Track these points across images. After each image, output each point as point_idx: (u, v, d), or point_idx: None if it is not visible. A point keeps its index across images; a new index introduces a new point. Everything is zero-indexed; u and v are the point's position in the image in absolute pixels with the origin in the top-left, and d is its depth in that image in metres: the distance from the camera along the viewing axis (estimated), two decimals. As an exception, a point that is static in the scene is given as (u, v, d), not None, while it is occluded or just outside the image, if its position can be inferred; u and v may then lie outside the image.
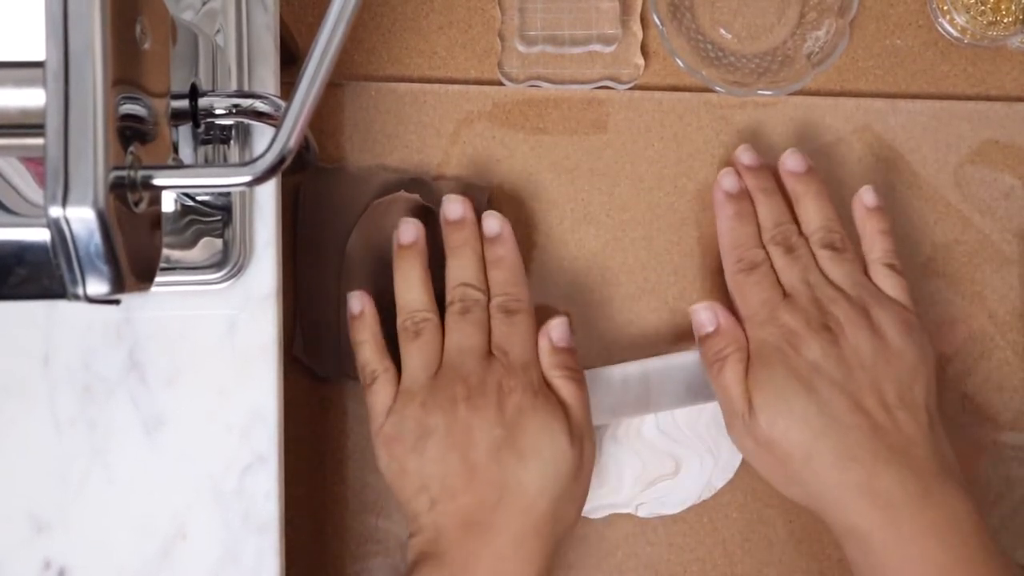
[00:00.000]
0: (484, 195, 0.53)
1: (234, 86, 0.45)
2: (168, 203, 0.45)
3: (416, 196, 0.52)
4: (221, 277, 0.45)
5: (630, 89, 0.54)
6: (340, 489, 0.52)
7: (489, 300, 0.49)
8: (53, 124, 0.29)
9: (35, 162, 0.35)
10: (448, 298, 0.49)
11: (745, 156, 0.53)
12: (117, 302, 0.32)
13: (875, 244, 0.50)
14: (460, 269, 0.49)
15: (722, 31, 0.55)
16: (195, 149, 0.43)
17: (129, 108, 0.31)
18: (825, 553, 0.53)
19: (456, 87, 0.54)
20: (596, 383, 0.50)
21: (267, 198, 0.46)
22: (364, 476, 0.52)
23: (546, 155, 0.54)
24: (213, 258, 0.45)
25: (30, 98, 0.31)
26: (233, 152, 0.46)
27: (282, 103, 0.39)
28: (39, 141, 0.29)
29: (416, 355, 0.48)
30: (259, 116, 0.40)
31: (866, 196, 0.51)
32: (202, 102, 0.39)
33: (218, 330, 0.45)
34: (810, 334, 0.47)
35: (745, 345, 0.49)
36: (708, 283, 0.54)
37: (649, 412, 0.52)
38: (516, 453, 0.45)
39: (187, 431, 0.45)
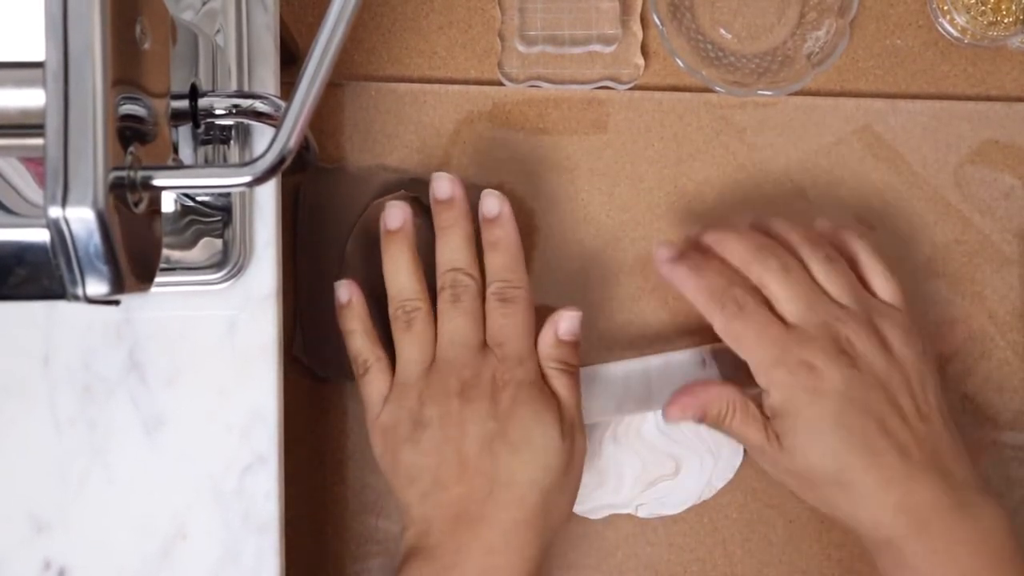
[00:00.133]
0: (484, 195, 0.53)
1: (234, 86, 0.45)
2: (168, 203, 0.45)
3: (416, 196, 0.52)
4: (221, 277, 0.45)
5: (630, 89, 0.54)
6: (340, 489, 0.52)
7: (484, 285, 0.48)
8: (53, 124, 0.29)
9: (35, 162, 0.35)
10: (439, 284, 0.48)
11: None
12: (117, 302, 0.32)
13: (859, 251, 0.50)
14: (449, 252, 0.48)
15: (722, 31, 0.55)
16: (195, 149, 0.43)
17: (129, 108, 0.31)
18: (825, 553, 0.53)
19: (456, 87, 0.54)
20: (597, 380, 0.50)
21: (267, 198, 0.46)
22: (364, 476, 0.52)
23: (546, 155, 0.54)
24: (213, 258, 0.45)
25: (30, 98, 0.31)
26: (233, 152, 0.45)
27: (282, 103, 0.39)
28: (39, 141, 0.29)
29: (409, 347, 0.47)
30: (259, 116, 0.40)
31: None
32: (202, 102, 0.39)
33: (218, 330, 0.45)
34: (828, 364, 0.45)
35: (740, 397, 0.48)
36: (708, 283, 0.54)
37: (651, 409, 0.52)
38: (508, 444, 0.45)
39: (187, 431, 0.45)
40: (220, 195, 0.45)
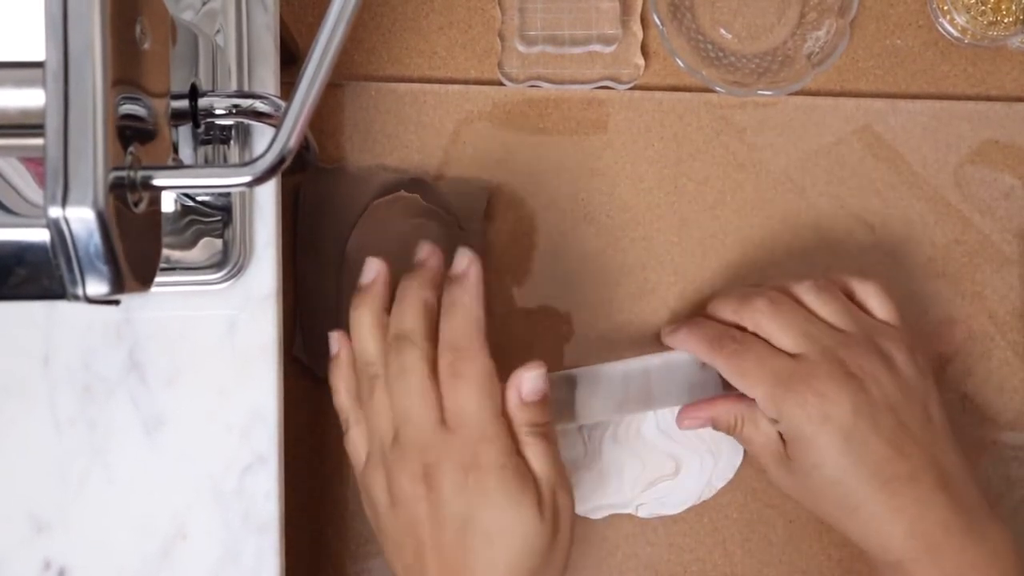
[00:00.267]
0: (484, 195, 0.53)
1: (234, 86, 0.45)
2: (168, 203, 0.45)
3: (416, 196, 0.52)
4: (221, 277, 0.45)
5: (630, 89, 0.54)
6: (340, 489, 0.52)
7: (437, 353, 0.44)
8: (53, 124, 0.29)
9: (35, 162, 0.35)
10: (387, 347, 0.45)
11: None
12: (117, 302, 0.32)
13: (849, 280, 0.50)
14: (398, 315, 0.44)
15: (722, 31, 0.55)
16: (195, 149, 0.43)
17: (129, 108, 0.31)
18: (825, 553, 0.53)
19: (456, 87, 0.54)
20: (598, 380, 0.50)
21: (267, 198, 0.46)
22: (364, 476, 0.52)
23: (546, 155, 0.54)
24: (213, 258, 0.45)
25: (30, 98, 0.31)
26: (233, 152, 0.45)
27: (282, 103, 0.39)
28: (39, 141, 0.29)
29: (372, 417, 0.44)
30: (259, 116, 0.40)
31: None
32: (202, 102, 0.39)
33: (218, 330, 0.45)
34: (838, 390, 0.45)
35: (750, 410, 0.48)
36: (708, 283, 0.54)
37: (651, 409, 0.52)
38: (482, 535, 0.42)
39: (187, 431, 0.45)
40: (220, 195, 0.45)
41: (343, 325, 0.51)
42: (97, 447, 0.45)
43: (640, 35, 0.54)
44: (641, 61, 0.54)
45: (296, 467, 0.50)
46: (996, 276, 0.55)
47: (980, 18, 0.54)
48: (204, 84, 0.42)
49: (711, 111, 0.55)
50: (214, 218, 0.45)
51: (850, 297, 0.50)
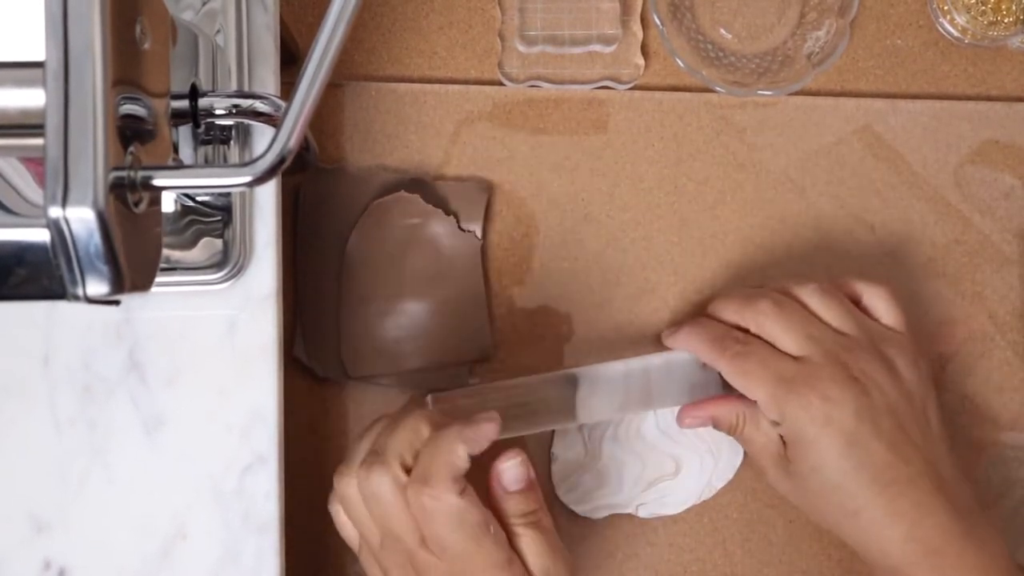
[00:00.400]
0: (484, 195, 0.53)
1: (234, 86, 0.45)
2: (168, 203, 0.45)
3: (416, 196, 0.52)
4: (221, 277, 0.45)
5: (630, 89, 0.54)
6: (340, 489, 0.52)
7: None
8: (53, 124, 0.29)
9: (35, 162, 0.35)
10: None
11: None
12: (117, 302, 0.32)
13: (856, 283, 0.50)
14: (385, 433, 0.44)
15: (722, 31, 0.55)
16: (195, 149, 0.43)
17: (129, 108, 0.31)
18: (825, 553, 0.53)
19: (456, 87, 0.54)
20: (598, 380, 0.50)
21: (267, 198, 0.46)
22: (364, 476, 0.52)
23: (546, 155, 0.54)
24: (213, 258, 0.45)
25: (30, 98, 0.31)
26: (233, 152, 0.46)
27: (282, 103, 0.39)
28: (39, 141, 0.29)
29: (357, 525, 0.45)
30: (259, 116, 0.40)
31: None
32: (202, 102, 0.39)
33: (218, 330, 0.45)
34: (841, 392, 0.45)
35: (751, 410, 0.48)
36: (708, 283, 0.54)
37: (651, 408, 0.52)
38: None
39: (187, 431, 0.45)
40: (220, 195, 0.45)
41: (343, 325, 0.51)
42: (97, 447, 0.45)
43: (640, 35, 0.54)
44: (641, 61, 0.54)
45: (296, 467, 0.50)
46: (996, 276, 0.55)
47: (980, 18, 0.54)
48: (204, 84, 0.42)
49: (711, 111, 0.55)
50: (214, 218, 0.45)
51: (857, 301, 0.50)
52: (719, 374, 0.49)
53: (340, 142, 0.54)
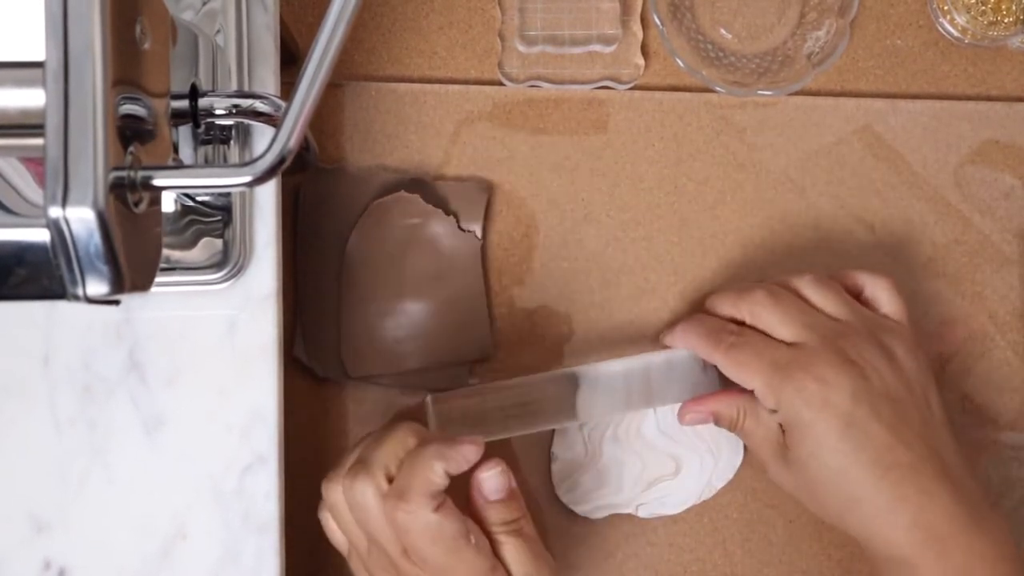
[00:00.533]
0: (484, 195, 0.53)
1: (234, 86, 0.45)
2: (168, 203, 0.45)
3: (416, 196, 0.52)
4: (221, 277, 0.45)
5: (630, 89, 0.54)
6: (340, 489, 0.52)
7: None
8: (53, 124, 0.29)
9: (35, 162, 0.35)
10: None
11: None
12: (117, 302, 0.32)
13: (858, 275, 0.50)
14: (371, 443, 0.44)
15: (722, 31, 0.55)
16: (195, 149, 0.43)
17: (129, 108, 0.31)
18: (825, 553, 0.53)
19: (456, 87, 0.54)
20: (598, 379, 0.50)
21: (267, 198, 0.46)
22: (364, 476, 0.52)
23: (546, 155, 0.54)
24: (213, 258, 0.45)
25: (30, 98, 0.31)
26: (233, 152, 0.46)
27: (282, 103, 0.39)
28: (39, 141, 0.29)
29: (343, 529, 0.45)
30: (259, 116, 0.40)
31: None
32: (202, 102, 0.39)
33: (218, 330, 0.45)
34: (838, 374, 0.44)
35: (751, 404, 0.47)
36: (708, 283, 0.54)
37: (652, 407, 0.52)
38: None
39: (187, 431, 0.45)
40: (220, 195, 0.45)
41: (343, 325, 0.51)
42: (97, 447, 0.45)
43: (640, 35, 0.54)
44: (641, 61, 0.54)
45: (296, 467, 0.50)
46: (996, 276, 0.55)
47: (980, 18, 0.54)
48: (204, 84, 0.42)
49: (711, 111, 0.55)
50: (214, 218, 0.45)
51: (859, 292, 0.49)
52: (719, 372, 0.49)
53: (340, 142, 0.54)
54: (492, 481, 0.44)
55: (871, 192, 0.55)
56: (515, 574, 0.43)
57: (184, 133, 0.42)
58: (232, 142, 0.45)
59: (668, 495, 0.53)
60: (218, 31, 0.45)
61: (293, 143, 0.32)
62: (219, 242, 0.45)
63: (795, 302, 0.48)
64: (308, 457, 0.52)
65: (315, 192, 0.53)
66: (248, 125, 0.46)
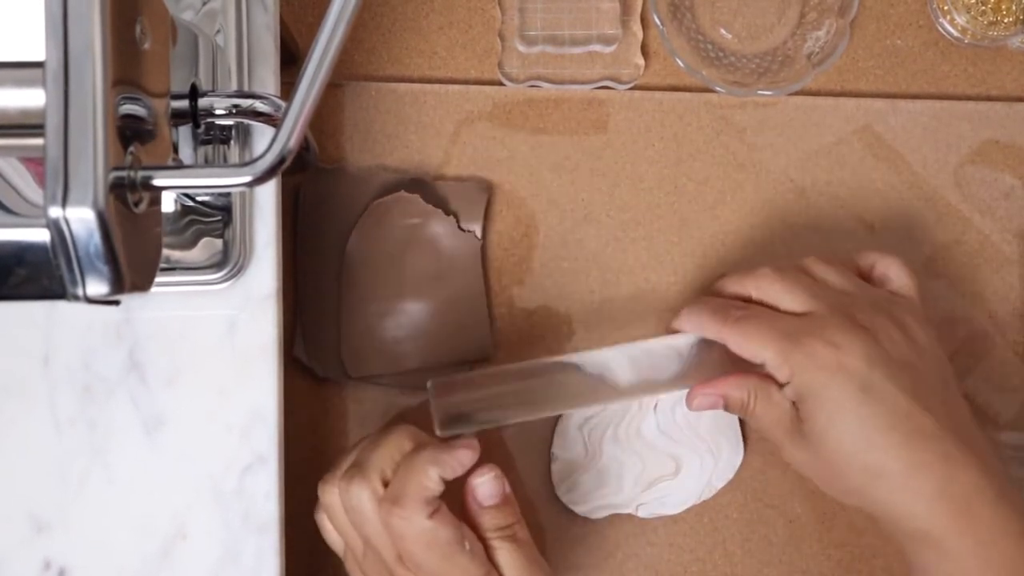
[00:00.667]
0: (484, 195, 0.53)
1: (234, 86, 0.45)
2: (168, 203, 0.45)
3: (416, 196, 0.52)
4: (221, 277, 0.45)
5: (630, 89, 0.54)
6: (340, 489, 0.52)
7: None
8: (53, 124, 0.29)
9: (35, 162, 0.35)
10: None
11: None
12: (117, 302, 0.32)
13: (868, 254, 0.49)
14: (367, 447, 0.44)
15: (722, 31, 0.55)
16: (195, 149, 0.43)
17: (129, 108, 0.31)
18: (825, 553, 0.53)
19: (456, 87, 0.54)
20: (602, 366, 0.48)
21: (267, 198, 0.46)
22: (364, 476, 0.52)
23: (546, 155, 0.54)
24: (213, 258, 0.45)
25: (30, 98, 0.31)
26: (233, 152, 0.46)
27: (282, 103, 0.39)
28: (39, 141, 0.29)
29: (339, 529, 0.45)
30: (259, 116, 0.40)
31: None
32: (202, 102, 0.39)
33: (218, 330, 0.45)
34: (850, 339, 0.43)
35: (762, 383, 0.46)
36: (708, 283, 0.54)
37: (658, 394, 0.50)
38: None
39: (187, 431, 0.45)
40: (220, 195, 0.45)
41: (343, 325, 0.51)
42: (97, 447, 0.45)
43: (640, 35, 0.54)
44: (641, 61, 0.54)
45: (296, 467, 0.50)
46: (996, 276, 0.55)
47: (980, 18, 0.54)
48: (204, 84, 0.42)
49: (711, 111, 0.55)
50: (214, 218, 0.45)
51: (869, 272, 0.49)
52: (726, 355, 0.46)
53: (340, 142, 0.54)
54: (486, 487, 0.44)
55: (871, 192, 0.55)
56: (506, 570, 0.43)
57: (184, 133, 0.42)
58: (232, 142, 0.45)
59: (668, 495, 0.53)
60: (218, 31, 0.45)
61: (293, 143, 0.32)
62: (219, 242, 0.45)
63: (802, 276, 0.47)
64: (308, 457, 0.52)
65: (315, 192, 0.53)
66: (248, 125, 0.46)
